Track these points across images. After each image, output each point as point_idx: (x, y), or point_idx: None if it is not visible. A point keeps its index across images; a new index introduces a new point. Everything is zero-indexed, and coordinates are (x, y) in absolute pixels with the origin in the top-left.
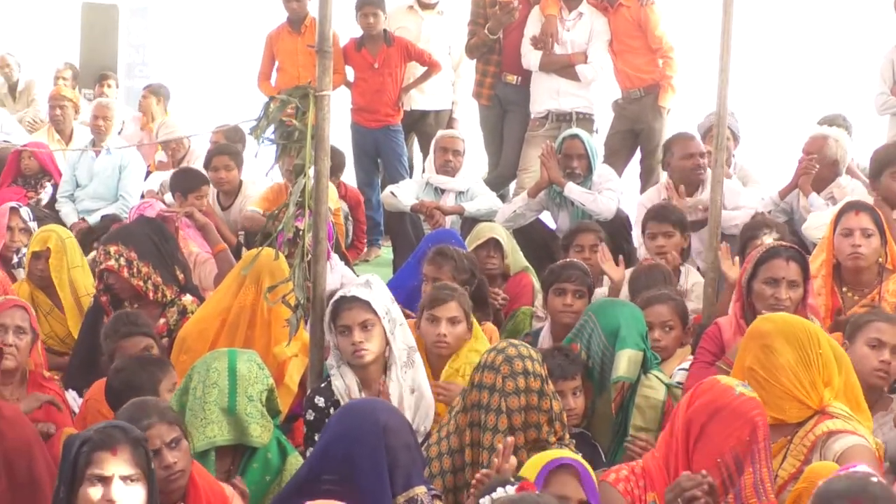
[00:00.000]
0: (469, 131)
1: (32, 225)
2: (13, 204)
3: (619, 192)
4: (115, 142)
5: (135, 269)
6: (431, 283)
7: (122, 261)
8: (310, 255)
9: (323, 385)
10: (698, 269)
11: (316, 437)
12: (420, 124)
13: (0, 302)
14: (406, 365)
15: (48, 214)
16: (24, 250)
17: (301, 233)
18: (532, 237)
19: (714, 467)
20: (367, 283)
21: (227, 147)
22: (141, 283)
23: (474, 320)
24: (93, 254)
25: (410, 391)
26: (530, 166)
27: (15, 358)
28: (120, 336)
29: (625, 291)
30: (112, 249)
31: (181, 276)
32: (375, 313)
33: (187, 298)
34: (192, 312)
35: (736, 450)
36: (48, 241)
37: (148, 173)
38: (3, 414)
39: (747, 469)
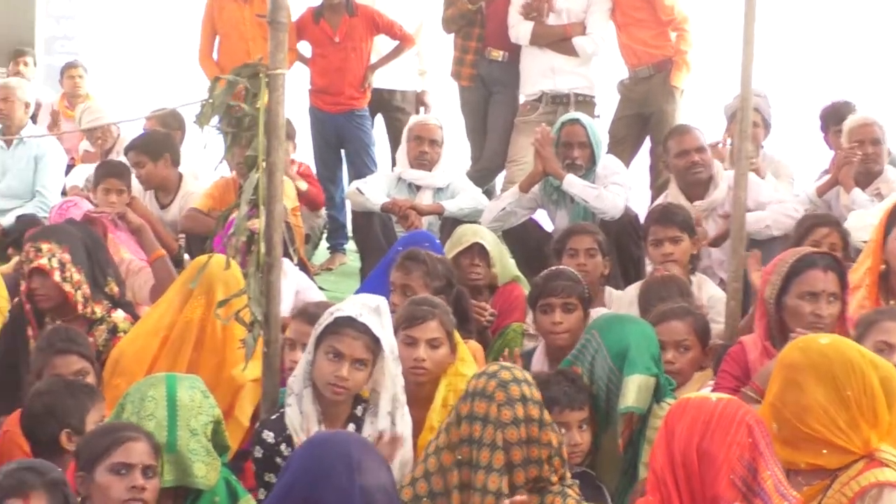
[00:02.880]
0: (448, 117)
1: None
2: None
3: (627, 186)
4: (30, 130)
5: (67, 274)
6: (400, 292)
7: (55, 262)
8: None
9: (274, 417)
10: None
11: (267, 478)
12: (385, 106)
13: None
14: (390, 415)
15: None
16: None
17: (256, 237)
18: (524, 240)
19: (731, 487)
20: (378, 310)
21: (137, 142)
22: (72, 292)
23: (459, 339)
24: (13, 261)
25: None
26: (521, 157)
27: None
28: (54, 351)
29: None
30: (44, 247)
31: (115, 290)
32: (376, 353)
33: (119, 315)
34: (124, 332)
35: (743, 457)
36: None
37: (71, 166)
38: None
39: (763, 472)
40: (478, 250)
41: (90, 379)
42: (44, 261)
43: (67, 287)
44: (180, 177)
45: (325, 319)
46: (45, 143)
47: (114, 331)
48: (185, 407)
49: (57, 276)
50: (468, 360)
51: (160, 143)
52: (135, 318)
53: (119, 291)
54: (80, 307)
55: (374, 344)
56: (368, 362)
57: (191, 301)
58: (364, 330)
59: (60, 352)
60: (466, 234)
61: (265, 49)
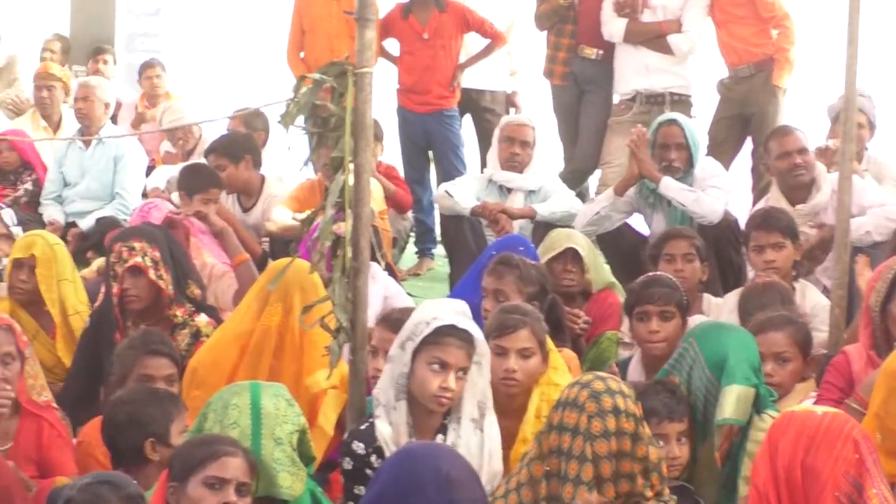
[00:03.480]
0: (539, 117)
1: (16, 230)
2: None
3: (726, 190)
4: (110, 130)
5: (160, 272)
6: (492, 297)
7: (149, 260)
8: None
9: (363, 427)
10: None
11: (357, 490)
12: (474, 107)
13: None
14: (475, 422)
15: (33, 218)
16: (4, 260)
17: (342, 241)
18: (619, 245)
19: None
20: (467, 312)
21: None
22: (166, 289)
23: (552, 347)
24: (94, 264)
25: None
26: (615, 158)
27: (9, 394)
28: (148, 351)
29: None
30: (137, 245)
31: (196, 293)
32: (473, 360)
33: (202, 319)
34: (208, 336)
35: (849, 473)
36: (33, 248)
37: (152, 168)
38: None
39: (869, 489)
40: (571, 256)
41: (175, 388)
42: (139, 258)
43: (162, 284)
44: (262, 179)
45: (422, 329)
46: (124, 144)
47: (196, 335)
48: (269, 415)
49: (152, 274)
50: (562, 369)
51: (241, 144)
52: (218, 322)
53: (201, 295)
54: (168, 309)
55: (473, 350)
56: (468, 370)
57: (268, 308)
58: (466, 337)
59: (154, 353)
60: (559, 239)
61: (350, 46)
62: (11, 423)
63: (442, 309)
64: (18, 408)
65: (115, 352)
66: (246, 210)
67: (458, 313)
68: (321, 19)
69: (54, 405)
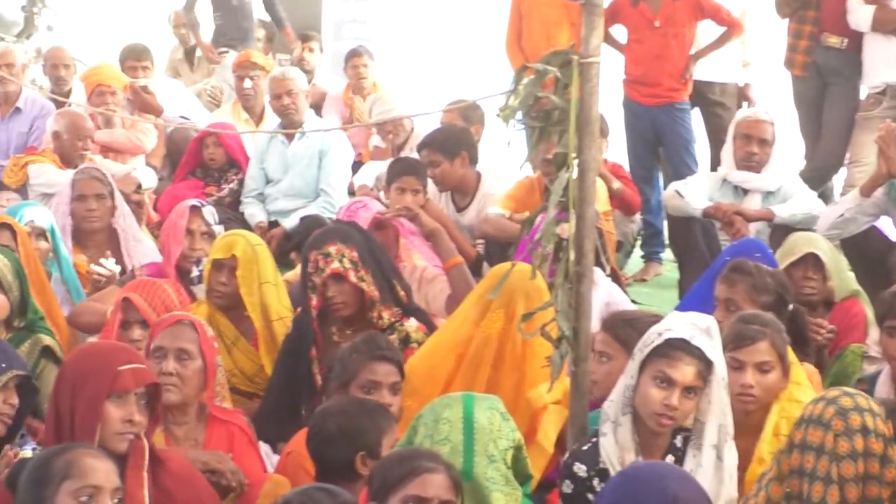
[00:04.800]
0: (777, 111)
1: (217, 229)
2: (194, 202)
3: None
4: (314, 123)
5: (361, 273)
6: (723, 307)
7: (347, 262)
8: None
9: (585, 447)
10: None
11: None
12: (703, 100)
13: (162, 318)
14: (716, 449)
15: (234, 216)
16: (204, 261)
17: (564, 244)
18: (865, 251)
19: None
20: (709, 331)
21: (431, 139)
22: (370, 291)
23: (794, 360)
24: (295, 270)
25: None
26: (862, 157)
27: (179, 390)
28: (374, 357)
29: None
30: (332, 250)
31: (402, 295)
32: (706, 379)
33: (411, 324)
34: (418, 343)
35: None
36: (234, 248)
37: (359, 163)
38: (170, 467)
39: None
40: (812, 262)
41: (398, 398)
42: (336, 264)
43: (365, 286)
44: (479, 177)
45: (653, 339)
46: (329, 138)
47: (406, 341)
48: (483, 430)
49: (353, 277)
50: (804, 384)
51: (457, 139)
52: (428, 326)
53: (407, 297)
54: (372, 312)
55: (706, 369)
56: (699, 390)
57: (489, 314)
58: (698, 354)
59: (382, 358)
60: (799, 243)
61: (569, 33)
62: (199, 429)
63: (679, 321)
64: (205, 414)
65: (336, 357)
66: (460, 210)
67: (697, 328)
68: (538, 4)
69: (243, 413)
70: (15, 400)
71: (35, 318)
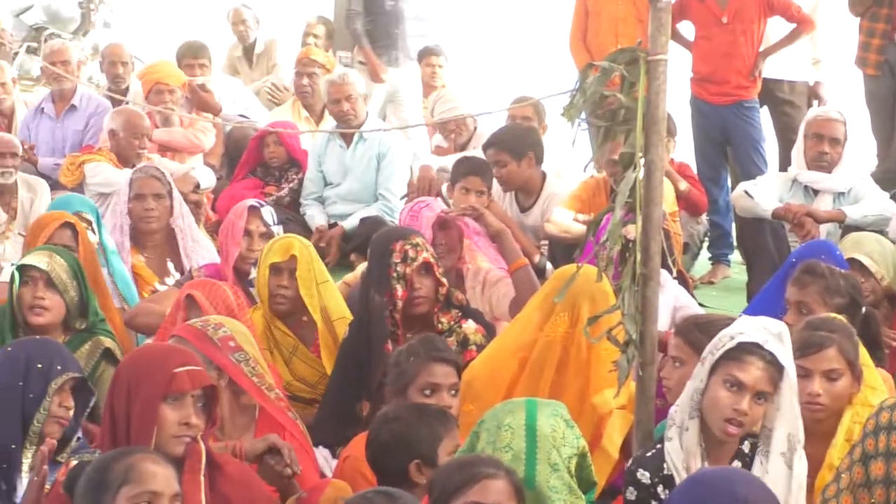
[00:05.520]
0: (849, 110)
1: (276, 230)
2: (252, 202)
3: None
4: (375, 124)
5: (441, 270)
6: (795, 310)
7: (431, 256)
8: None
9: (649, 454)
10: None
11: None
12: (771, 98)
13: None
14: (784, 457)
15: (293, 217)
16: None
17: (631, 246)
18: None
19: None
20: (781, 336)
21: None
22: (446, 288)
23: (869, 363)
24: (360, 268)
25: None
26: None
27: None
28: (433, 358)
29: None
30: (419, 241)
31: (460, 297)
32: (776, 386)
33: (469, 326)
34: (476, 345)
35: None
36: (292, 249)
37: None
38: (227, 471)
39: None
40: (858, 266)
41: (457, 400)
42: (425, 254)
43: (445, 282)
44: (543, 176)
45: (724, 343)
46: (387, 140)
47: (465, 343)
48: (545, 438)
49: (437, 271)
50: (879, 388)
51: (524, 139)
52: (487, 329)
53: (464, 299)
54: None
55: (777, 375)
56: (769, 396)
57: (553, 318)
58: (769, 359)
59: (442, 360)
60: (846, 248)
61: (638, 30)
62: (248, 436)
63: (751, 325)
64: (255, 414)
65: (391, 360)
66: (524, 210)
67: (769, 333)
68: (606, 1)
69: (291, 415)
70: (70, 403)
71: (96, 319)
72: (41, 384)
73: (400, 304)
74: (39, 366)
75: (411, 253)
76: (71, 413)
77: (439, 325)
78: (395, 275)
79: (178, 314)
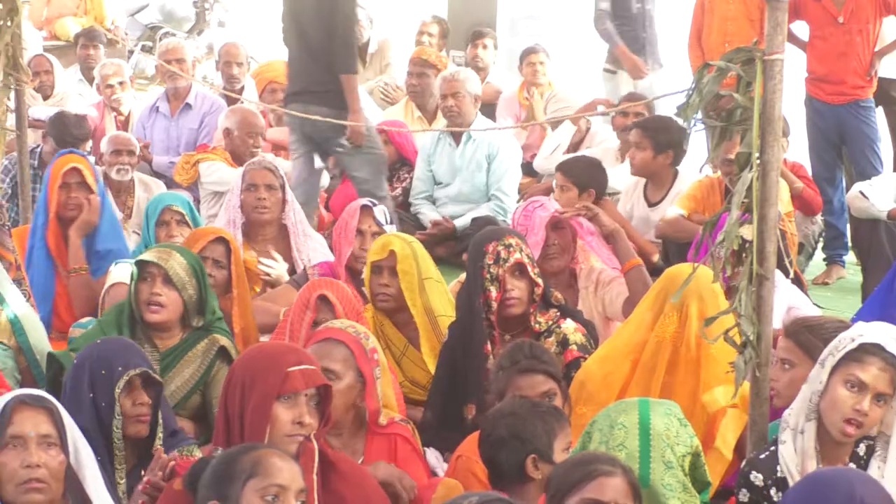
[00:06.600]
0: None
1: (389, 229)
2: (365, 201)
3: None
4: (484, 124)
5: (536, 270)
6: None
7: (525, 256)
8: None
9: (763, 455)
10: None
11: None
12: (885, 98)
13: (316, 331)
14: None
15: (406, 216)
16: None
17: (747, 246)
18: None
19: None
20: None
21: (647, 124)
22: (541, 289)
23: None
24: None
25: None
26: None
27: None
28: (519, 370)
29: None
30: (513, 241)
31: (559, 297)
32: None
33: (568, 326)
34: (576, 344)
35: None
36: (391, 246)
37: (529, 164)
38: (341, 470)
39: None
40: None
41: (557, 401)
42: (518, 255)
43: (540, 283)
44: (676, 174)
45: (845, 344)
46: (497, 140)
47: (564, 343)
48: (659, 436)
49: (531, 272)
50: None
51: (671, 136)
52: (586, 328)
53: (562, 299)
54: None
55: None
56: (889, 399)
57: (662, 317)
58: (891, 361)
59: (525, 371)
60: None
61: (748, 29)
62: (358, 441)
63: (872, 328)
64: (364, 423)
65: (492, 374)
66: (652, 205)
67: (890, 336)
68: (720, 1)
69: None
70: (145, 398)
71: (213, 318)
72: (108, 390)
73: (494, 305)
74: (103, 372)
75: (503, 254)
76: (147, 408)
77: (537, 326)
78: (487, 276)
79: (304, 313)
